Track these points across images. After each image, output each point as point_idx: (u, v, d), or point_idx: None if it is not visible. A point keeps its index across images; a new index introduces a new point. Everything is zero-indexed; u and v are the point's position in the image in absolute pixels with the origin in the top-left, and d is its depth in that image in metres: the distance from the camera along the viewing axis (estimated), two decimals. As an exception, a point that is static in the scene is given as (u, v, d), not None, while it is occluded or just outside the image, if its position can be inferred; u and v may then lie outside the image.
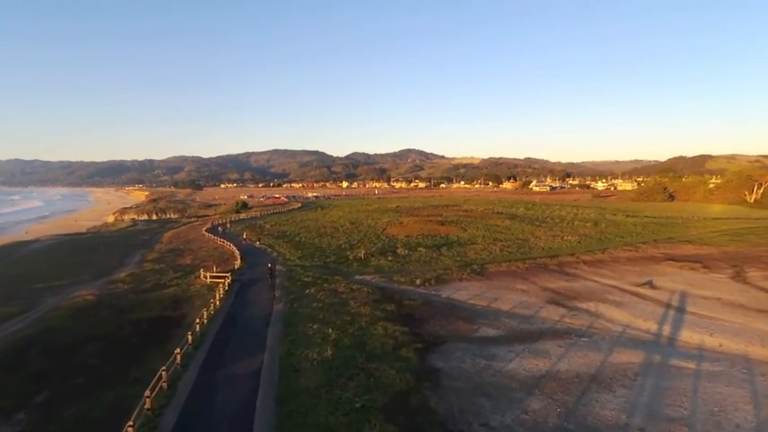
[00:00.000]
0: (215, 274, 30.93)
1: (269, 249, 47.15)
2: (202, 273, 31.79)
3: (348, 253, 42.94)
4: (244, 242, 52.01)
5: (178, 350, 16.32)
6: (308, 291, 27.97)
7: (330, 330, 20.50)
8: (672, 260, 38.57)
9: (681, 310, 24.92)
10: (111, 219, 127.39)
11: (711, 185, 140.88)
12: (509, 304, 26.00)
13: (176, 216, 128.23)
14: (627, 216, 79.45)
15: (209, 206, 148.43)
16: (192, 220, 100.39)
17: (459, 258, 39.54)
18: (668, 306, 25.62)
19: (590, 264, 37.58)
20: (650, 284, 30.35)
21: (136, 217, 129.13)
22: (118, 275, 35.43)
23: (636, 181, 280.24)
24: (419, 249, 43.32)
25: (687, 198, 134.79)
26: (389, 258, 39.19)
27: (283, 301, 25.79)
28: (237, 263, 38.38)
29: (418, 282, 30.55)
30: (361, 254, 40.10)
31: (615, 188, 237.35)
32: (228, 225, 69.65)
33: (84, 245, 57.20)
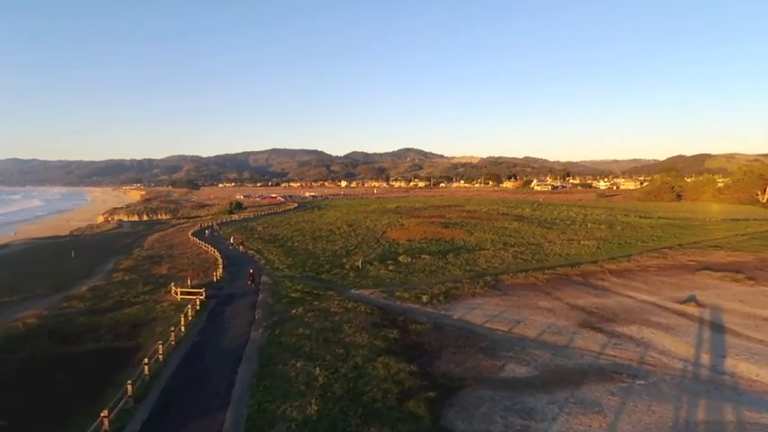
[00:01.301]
0: (187, 290, 26.45)
1: (257, 256, 42.69)
2: (173, 288, 27.31)
3: (344, 260, 38.55)
4: (231, 247, 47.58)
5: (105, 413, 11.88)
6: (294, 311, 23.53)
7: (317, 371, 16.10)
8: (708, 269, 34.22)
9: (746, 337, 20.55)
10: (100, 219, 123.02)
11: (720, 184, 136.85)
12: (535, 329, 21.62)
13: (167, 217, 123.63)
14: (640, 217, 75.17)
15: (203, 206, 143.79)
16: (182, 221, 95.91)
17: (468, 267, 35.14)
18: (728, 331, 21.26)
19: (617, 274, 33.22)
20: (695, 302, 26.00)
21: (126, 218, 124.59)
22: (79, 289, 30.96)
23: (638, 180, 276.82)
24: (423, 257, 38.92)
25: (695, 198, 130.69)
26: (390, 268, 34.76)
27: (263, 326, 21.35)
28: (219, 273, 33.93)
29: (425, 298, 26.15)
30: (359, 262, 35.69)
31: (618, 187, 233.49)
32: (217, 228, 65.07)
33: (59, 250, 52.67)
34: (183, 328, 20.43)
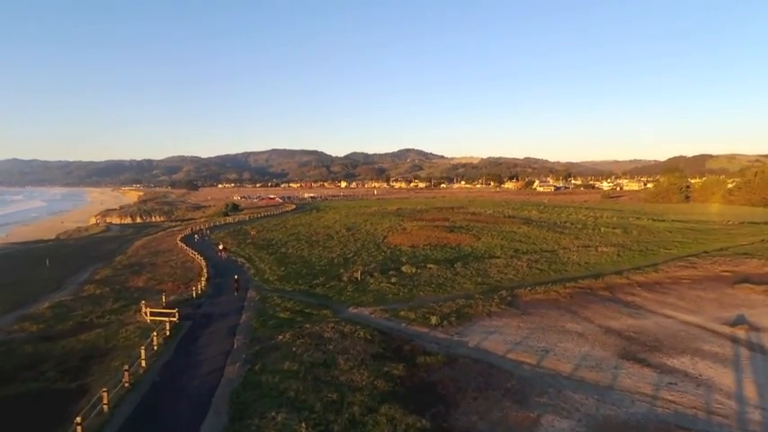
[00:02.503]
0: (158, 311, 22.83)
1: (246, 265, 39.14)
2: (144, 307, 23.69)
3: (342, 270, 34.95)
4: (220, 254, 44.02)
5: None
6: (281, 336, 19.95)
7: (303, 428, 12.53)
8: (747, 282, 30.57)
9: (827, 374, 16.95)
10: (93, 221, 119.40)
11: (730, 185, 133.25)
12: (568, 361, 18.04)
13: (161, 219, 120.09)
14: (654, 220, 71.55)
15: (198, 208, 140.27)
16: (174, 224, 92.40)
17: (480, 279, 31.53)
18: (802, 365, 17.66)
19: (648, 287, 29.62)
20: (747, 324, 22.40)
21: (119, 220, 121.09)
22: (40, 306, 27.39)
23: (641, 181, 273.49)
24: (429, 266, 35.30)
25: (704, 199, 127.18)
26: (393, 280, 31.13)
27: (242, 359, 17.77)
28: (201, 285, 30.35)
29: (434, 320, 22.53)
30: (358, 274, 32.09)
31: (622, 188, 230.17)
32: (207, 232, 61.42)
33: (37, 256, 49.05)
34: (143, 363, 16.82)
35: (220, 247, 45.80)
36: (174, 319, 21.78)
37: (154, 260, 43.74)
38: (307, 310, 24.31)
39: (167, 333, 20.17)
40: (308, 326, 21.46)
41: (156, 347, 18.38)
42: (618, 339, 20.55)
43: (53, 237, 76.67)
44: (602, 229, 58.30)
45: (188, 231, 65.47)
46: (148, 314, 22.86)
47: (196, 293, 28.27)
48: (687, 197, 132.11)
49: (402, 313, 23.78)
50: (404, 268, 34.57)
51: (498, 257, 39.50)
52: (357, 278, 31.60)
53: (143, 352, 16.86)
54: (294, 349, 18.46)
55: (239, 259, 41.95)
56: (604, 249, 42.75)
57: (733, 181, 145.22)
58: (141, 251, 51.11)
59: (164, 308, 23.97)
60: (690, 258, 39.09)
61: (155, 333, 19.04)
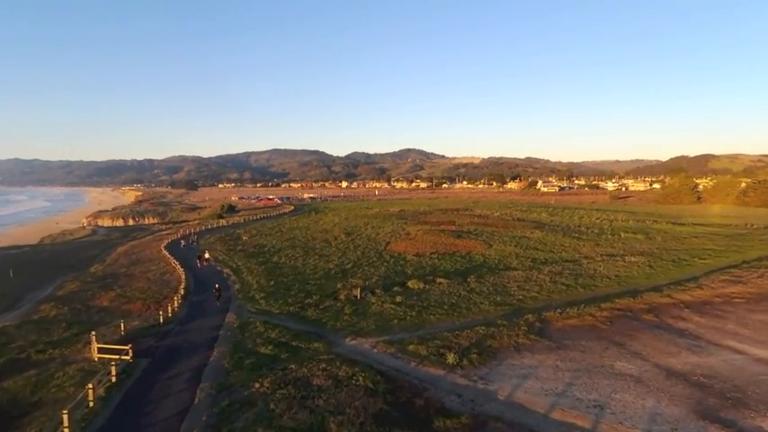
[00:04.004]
0: (108, 347, 18.39)
1: (232, 277, 34.79)
2: (93, 340, 19.24)
3: (339, 285, 30.60)
4: (204, 264, 39.72)
5: None
6: (257, 385, 15.57)
7: None
8: (812, 301, 26.18)
9: None
10: (84, 223, 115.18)
11: (743, 186, 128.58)
12: (633, 424, 13.64)
13: (154, 221, 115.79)
14: (673, 224, 67.12)
15: (194, 209, 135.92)
16: (166, 227, 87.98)
17: (499, 298, 27.10)
18: None
19: (697, 309, 25.17)
20: (841, 362, 17.97)
21: (110, 222, 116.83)
22: (-23, 333, 23.02)
23: (645, 181, 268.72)
24: (438, 280, 30.90)
25: (717, 200, 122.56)
26: (398, 299, 26.72)
27: (202, 423, 13.40)
28: (174, 305, 26.01)
29: (451, 358, 18.10)
30: (357, 291, 27.68)
31: (627, 188, 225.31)
32: (195, 238, 56.97)
33: (3, 265, 44.67)
34: (66, 433, 12.42)
35: (206, 255, 41.49)
36: (127, 358, 17.43)
37: (131, 270, 39.38)
38: (294, 343, 19.93)
39: (113, 379, 15.79)
40: (293, 367, 17.08)
41: (91, 404, 14.01)
42: (687, 387, 16.14)
43: (36, 241, 72.45)
44: (622, 234, 53.89)
45: (178, 235, 61.21)
46: (95, 350, 18.44)
47: (165, 317, 23.86)
48: (699, 198, 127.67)
49: (411, 347, 19.38)
50: (410, 283, 30.19)
51: (515, 269, 35.11)
52: (356, 297, 27.21)
53: (65, 418, 12.42)
54: (272, 406, 14.08)
55: (225, 270, 37.59)
56: (633, 259, 38.33)
57: (744, 181, 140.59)
58: (121, 259, 46.75)
59: (121, 338, 19.64)
60: (731, 270, 34.65)
61: (94, 382, 14.65)
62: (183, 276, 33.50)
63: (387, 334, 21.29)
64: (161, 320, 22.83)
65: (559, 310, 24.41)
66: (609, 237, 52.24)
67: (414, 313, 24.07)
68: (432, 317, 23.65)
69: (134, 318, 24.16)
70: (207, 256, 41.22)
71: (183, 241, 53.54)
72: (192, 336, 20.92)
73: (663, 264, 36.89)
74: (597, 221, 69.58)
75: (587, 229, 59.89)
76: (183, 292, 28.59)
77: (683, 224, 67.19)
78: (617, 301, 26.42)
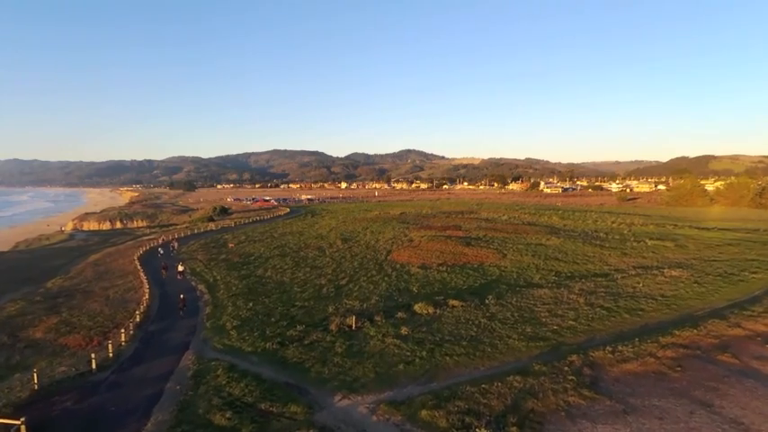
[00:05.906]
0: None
1: (205, 296, 29.47)
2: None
3: (330, 309, 25.33)
4: (178, 278, 34.48)
5: None
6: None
7: None
8: None
9: None
10: (70, 226, 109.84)
11: (757, 187, 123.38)
12: None
13: (143, 224, 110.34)
14: (698, 228, 61.83)
15: (185, 212, 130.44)
16: (152, 231, 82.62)
17: (529, 329, 21.75)
18: None
19: (783, 346, 19.87)
20: None
21: (97, 225, 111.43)
22: None
23: (650, 182, 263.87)
24: (451, 303, 25.58)
25: (732, 203, 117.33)
26: (403, 330, 21.41)
27: None
28: (122, 338, 20.70)
29: (481, 434, 12.80)
30: (352, 321, 22.35)
31: (632, 189, 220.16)
32: (175, 245, 51.60)
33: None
34: None
35: (179, 268, 36.19)
36: (19, 437, 12.08)
37: (92, 286, 34.02)
38: (263, 405, 14.59)
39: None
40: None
41: None
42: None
43: (10, 246, 67.06)
44: (648, 241, 48.58)
45: (159, 242, 55.91)
46: (-21, 424, 13.16)
47: (105, 356, 18.52)
48: (712, 200, 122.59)
49: (424, 413, 14.05)
50: (417, 306, 24.88)
51: (539, 286, 29.82)
52: (350, 326, 21.90)
53: None
54: None
55: (199, 286, 32.25)
56: (673, 273, 33.04)
57: (758, 183, 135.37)
58: (88, 271, 41.36)
59: (31, 394, 14.32)
60: (793, 287, 29.39)
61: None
62: (147, 296, 28.18)
63: (390, 387, 15.97)
64: (93, 365, 17.44)
65: (609, 348, 19.10)
66: (634, 244, 46.98)
67: (424, 353, 18.73)
68: (447, 359, 18.30)
69: (65, 358, 18.84)
70: (181, 268, 35.93)
71: (161, 249, 48.18)
72: (127, 391, 15.59)
73: (710, 279, 31.59)
74: (614, 226, 64.34)
75: (606, 234, 54.65)
76: (138, 319, 23.28)
77: (708, 229, 61.92)
78: (676, 333, 21.10)
